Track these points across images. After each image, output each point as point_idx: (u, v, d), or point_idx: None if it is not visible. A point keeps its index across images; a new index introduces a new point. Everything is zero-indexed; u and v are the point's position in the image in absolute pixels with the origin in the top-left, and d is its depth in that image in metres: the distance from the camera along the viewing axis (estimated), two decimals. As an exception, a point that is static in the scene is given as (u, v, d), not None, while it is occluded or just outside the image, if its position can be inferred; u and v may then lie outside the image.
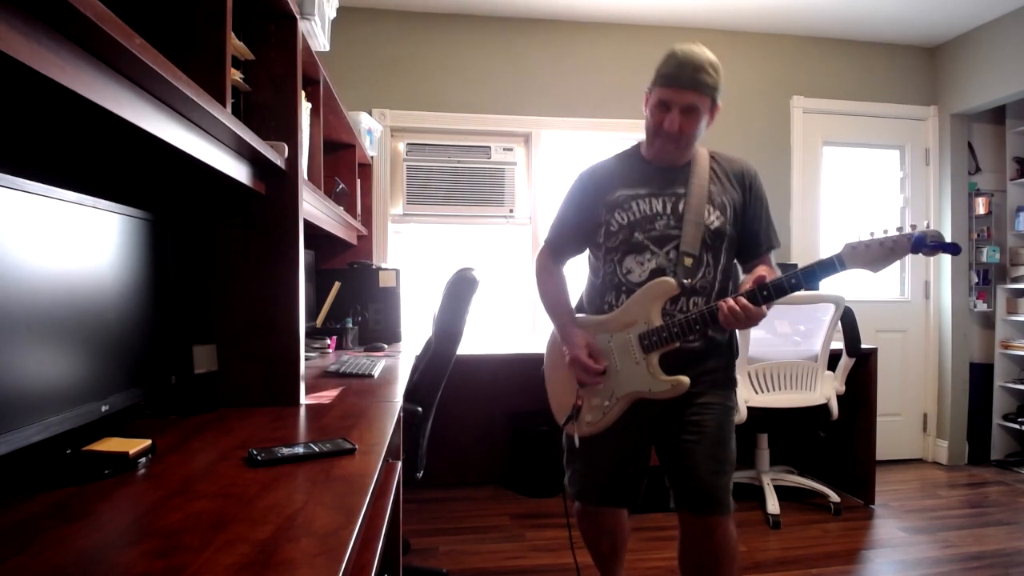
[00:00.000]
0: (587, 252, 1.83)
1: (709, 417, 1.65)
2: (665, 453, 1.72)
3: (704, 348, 1.68)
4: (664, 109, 1.59)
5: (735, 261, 1.76)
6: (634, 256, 1.65)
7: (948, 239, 4.15)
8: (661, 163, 1.69)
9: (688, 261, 1.61)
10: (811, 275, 1.51)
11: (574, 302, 1.84)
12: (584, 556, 2.03)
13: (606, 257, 1.71)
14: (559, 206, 1.82)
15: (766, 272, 1.59)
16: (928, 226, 1.46)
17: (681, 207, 1.64)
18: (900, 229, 1.47)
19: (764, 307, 1.51)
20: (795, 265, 3.59)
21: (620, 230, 1.66)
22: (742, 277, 1.72)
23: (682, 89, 1.55)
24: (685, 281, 1.61)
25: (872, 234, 1.48)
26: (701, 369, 1.67)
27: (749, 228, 1.71)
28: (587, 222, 1.74)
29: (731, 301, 1.51)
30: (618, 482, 1.78)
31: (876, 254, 1.48)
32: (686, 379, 1.60)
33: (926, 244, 1.42)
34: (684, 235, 1.62)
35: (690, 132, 1.60)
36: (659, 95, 1.59)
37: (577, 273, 1.90)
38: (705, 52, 1.58)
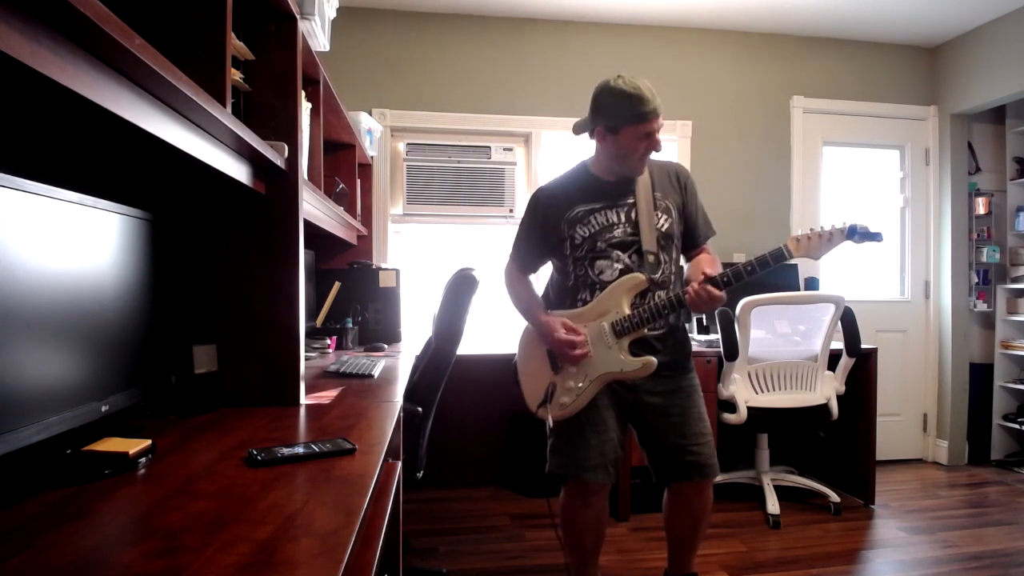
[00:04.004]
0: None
1: (684, 399, 1.90)
2: (650, 438, 1.93)
3: (666, 336, 1.90)
4: (648, 138, 1.80)
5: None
6: (602, 260, 1.87)
7: (947, 238, 4.16)
8: (610, 176, 1.90)
9: (651, 258, 1.85)
10: (764, 263, 1.77)
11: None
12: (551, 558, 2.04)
13: (576, 264, 1.91)
14: (520, 225, 2.01)
15: (708, 265, 1.90)
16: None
17: (634, 215, 1.87)
18: (833, 225, 1.81)
19: (723, 292, 1.76)
20: (795, 266, 3.60)
21: (584, 241, 1.88)
22: (685, 267, 2.01)
23: (658, 116, 1.79)
24: (653, 276, 1.84)
25: (812, 229, 1.80)
26: (669, 357, 1.89)
27: (688, 223, 1.96)
28: (550, 239, 1.93)
29: (696, 285, 1.75)
30: (605, 456, 1.89)
31: (816, 244, 1.77)
32: (654, 360, 1.82)
33: (857, 232, 1.74)
34: (643, 238, 1.85)
35: None
36: (643, 129, 1.78)
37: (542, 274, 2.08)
38: (642, 78, 1.80)
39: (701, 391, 1.96)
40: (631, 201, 1.88)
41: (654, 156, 1.89)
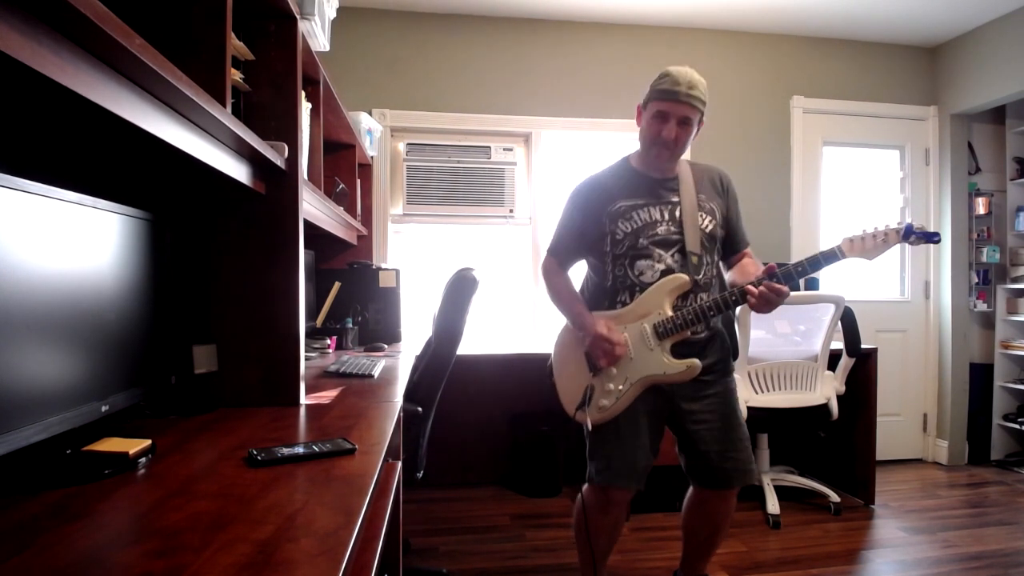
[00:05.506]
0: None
1: (722, 403, 1.86)
2: (689, 444, 1.88)
3: (708, 339, 1.85)
4: (662, 120, 1.76)
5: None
6: (643, 260, 1.81)
7: (948, 238, 4.17)
8: (653, 172, 1.86)
9: (695, 259, 1.80)
10: (816, 263, 1.74)
11: None
12: (567, 556, 2.04)
13: (615, 262, 1.85)
14: (561, 219, 1.95)
15: (755, 268, 1.84)
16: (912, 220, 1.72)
17: (678, 214, 1.82)
18: (887, 225, 1.75)
19: (787, 286, 1.71)
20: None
21: (626, 237, 1.82)
22: (725, 273, 1.96)
23: (679, 103, 1.73)
24: (697, 277, 1.79)
25: (864, 230, 1.74)
26: (711, 360, 1.84)
27: (730, 227, 1.92)
28: (591, 233, 1.87)
29: (760, 287, 1.69)
30: (638, 463, 1.86)
31: (870, 245, 1.73)
32: (698, 362, 1.77)
33: (914, 232, 1.70)
34: (687, 238, 1.80)
35: (683, 141, 1.78)
36: (658, 107, 1.75)
37: (576, 273, 2.00)
38: (695, 73, 1.75)
39: (737, 393, 1.92)
40: (675, 200, 1.83)
41: (695, 158, 1.86)
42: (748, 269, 1.86)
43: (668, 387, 1.83)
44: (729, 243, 1.93)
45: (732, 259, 1.95)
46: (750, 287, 1.70)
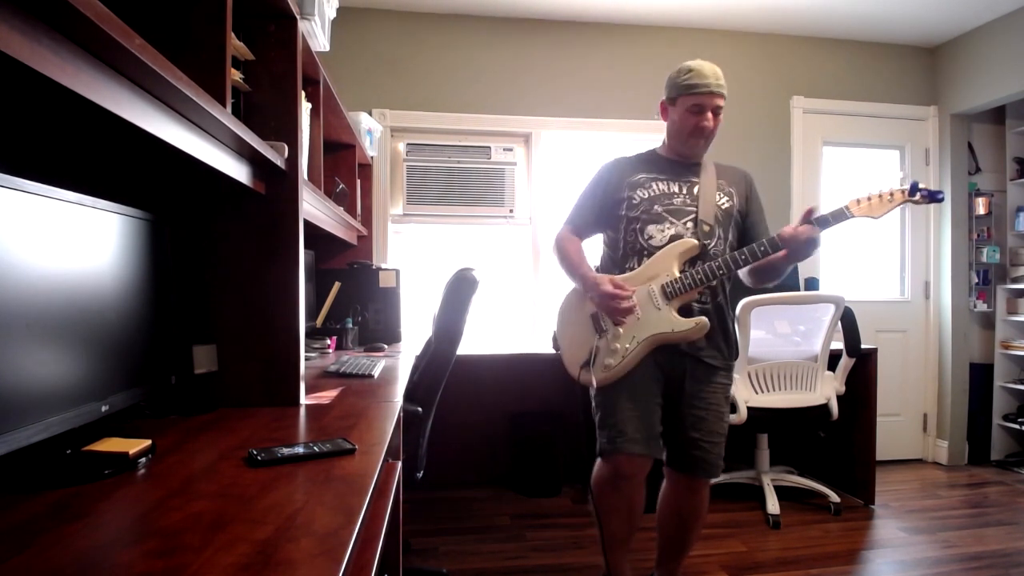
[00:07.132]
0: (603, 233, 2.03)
1: (712, 395, 1.89)
2: (673, 417, 1.91)
3: (712, 311, 1.86)
4: (699, 113, 1.84)
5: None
6: (655, 225, 1.87)
7: (947, 239, 4.17)
8: (678, 158, 1.95)
9: (706, 227, 1.85)
10: (824, 222, 1.78)
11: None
12: (585, 557, 2.03)
13: (628, 227, 1.91)
14: (582, 192, 2.02)
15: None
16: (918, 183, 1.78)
17: (696, 191, 1.90)
18: (892, 186, 1.79)
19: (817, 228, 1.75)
20: (795, 266, 3.60)
21: (641, 202, 1.89)
22: (743, 275, 1.97)
23: (712, 95, 1.82)
24: (707, 243, 1.84)
25: (870, 192, 1.79)
26: (716, 343, 1.88)
27: (754, 224, 1.97)
28: (610, 201, 1.95)
29: (789, 228, 1.76)
30: (658, 430, 1.88)
31: (876, 205, 1.77)
32: (706, 320, 1.80)
33: (918, 190, 1.74)
34: (701, 209, 1.87)
35: (716, 129, 1.89)
36: (693, 101, 1.83)
37: (593, 250, 2.06)
38: (718, 68, 1.86)
39: (730, 390, 1.96)
40: (695, 180, 1.92)
41: (722, 151, 1.88)
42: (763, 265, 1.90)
43: (684, 353, 1.84)
44: (749, 240, 1.94)
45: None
46: (784, 231, 1.75)
